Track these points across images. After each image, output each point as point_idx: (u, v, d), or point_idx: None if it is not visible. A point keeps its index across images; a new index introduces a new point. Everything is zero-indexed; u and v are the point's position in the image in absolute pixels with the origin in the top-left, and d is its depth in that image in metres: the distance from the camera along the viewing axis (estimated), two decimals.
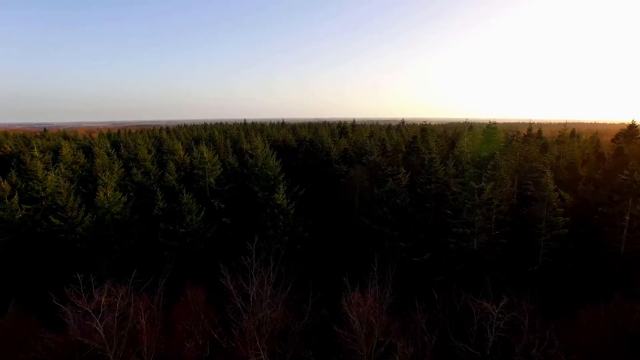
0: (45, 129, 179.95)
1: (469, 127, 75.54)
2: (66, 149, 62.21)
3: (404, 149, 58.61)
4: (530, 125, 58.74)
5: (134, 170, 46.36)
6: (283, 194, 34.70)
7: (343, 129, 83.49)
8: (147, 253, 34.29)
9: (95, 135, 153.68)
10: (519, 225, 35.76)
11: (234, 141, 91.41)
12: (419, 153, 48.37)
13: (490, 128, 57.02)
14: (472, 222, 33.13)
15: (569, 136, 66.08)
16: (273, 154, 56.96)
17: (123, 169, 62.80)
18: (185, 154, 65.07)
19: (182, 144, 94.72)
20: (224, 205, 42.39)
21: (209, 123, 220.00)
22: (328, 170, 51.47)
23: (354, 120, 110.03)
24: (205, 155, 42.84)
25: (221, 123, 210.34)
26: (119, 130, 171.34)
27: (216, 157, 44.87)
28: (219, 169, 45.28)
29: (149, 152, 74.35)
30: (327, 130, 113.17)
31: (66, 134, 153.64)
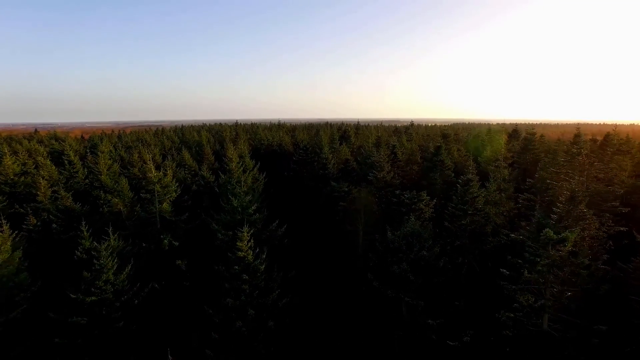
0: (36, 130, 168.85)
1: (493, 131, 61.82)
2: (9, 159, 49.90)
3: (419, 159, 45.73)
4: (578, 130, 45.41)
5: (62, 192, 33.85)
6: (250, 241, 22.08)
7: (345, 133, 70.58)
8: (35, 335, 21.83)
9: (87, 137, 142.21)
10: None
11: (223, 146, 78.80)
12: (444, 168, 35.53)
13: (530, 134, 43.90)
14: (543, 288, 20.39)
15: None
16: (255, 166, 44.41)
17: (86, 180, 50.77)
18: (155, 164, 52.52)
19: (164, 149, 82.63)
20: (177, 243, 29.84)
21: (207, 124, 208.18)
22: (325, 188, 38.77)
23: (358, 122, 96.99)
24: (152, 173, 30.26)
25: (221, 124, 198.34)
26: (112, 131, 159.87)
27: (169, 177, 32.17)
28: (175, 190, 32.70)
29: (121, 160, 62.25)
30: (328, 134, 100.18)
31: (57, 136, 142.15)
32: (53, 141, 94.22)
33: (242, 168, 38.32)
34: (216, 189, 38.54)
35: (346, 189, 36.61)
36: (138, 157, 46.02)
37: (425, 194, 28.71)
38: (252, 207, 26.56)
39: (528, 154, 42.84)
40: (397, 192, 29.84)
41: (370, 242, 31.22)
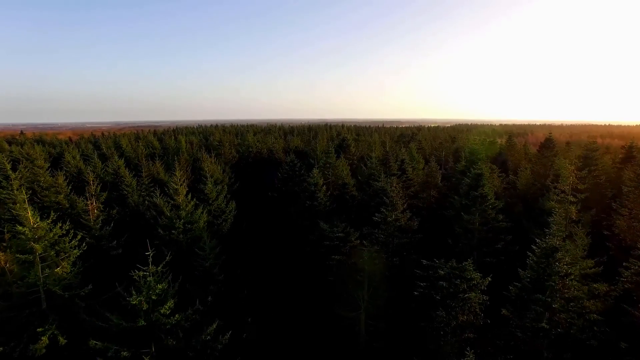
0: (21, 132, 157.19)
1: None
2: None
3: (439, 181, 33.43)
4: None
5: None
6: None
7: (343, 142, 58.00)
8: None
9: (75, 138, 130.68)
10: None
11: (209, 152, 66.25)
12: (486, 206, 23.04)
13: (590, 150, 31.41)
14: None
15: None
16: (220, 194, 32.08)
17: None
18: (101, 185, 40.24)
19: (138, 157, 70.24)
20: (66, 340, 17.69)
21: (203, 125, 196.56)
22: (312, 230, 26.44)
23: (357, 126, 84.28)
24: (28, 225, 18.01)
25: (217, 125, 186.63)
26: (102, 133, 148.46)
27: (61, 229, 19.73)
28: (76, 245, 20.47)
29: (75, 176, 50.17)
30: (325, 137, 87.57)
31: (42, 138, 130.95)
32: (27, 147, 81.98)
33: (193, 203, 26.13)
34: (160, 232, 26.31)
35: (342, 234, 24.28)
36: (64, 178, 33.86)
37: (471, 266, 16.33)
38: (169, 304, 14.32)
39: (588, 177, 30.30)
40: (424, 261, 17.43)
41: (378, 334, 18.99)
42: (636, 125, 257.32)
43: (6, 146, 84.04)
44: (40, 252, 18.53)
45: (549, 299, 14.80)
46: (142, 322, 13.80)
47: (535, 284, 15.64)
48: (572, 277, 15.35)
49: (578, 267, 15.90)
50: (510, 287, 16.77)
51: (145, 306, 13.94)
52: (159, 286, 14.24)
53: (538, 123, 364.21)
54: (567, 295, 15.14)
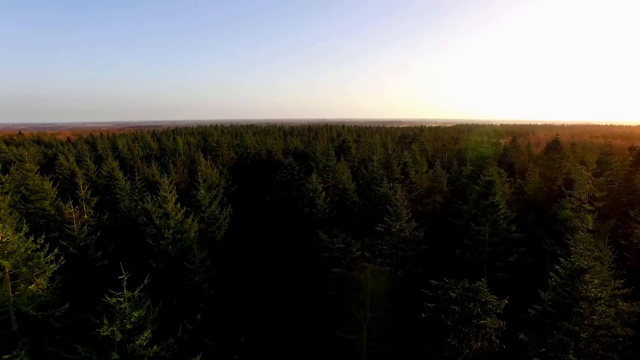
0: (20, 132, 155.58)
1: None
2: None
3: (445, 186, 31.62)
4: None
5: None
6: None
7: (343, 143, 56.17)
8: None
9: (74, 139, 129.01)
10: None
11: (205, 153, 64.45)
12: (497, 216, 21.07)
13: (605, 153, 29.61)
14: None
15: None
16: (214, 200, 30.26)
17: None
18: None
19: (134, 159, 68.51)
20: None
21: (203, 125, 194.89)
22: (311, 240, 24.65)
23: (357, 126, 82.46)
24: None
25: (216, 126, 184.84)
26: (101, 134, 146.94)
27: (27, 240, 17.79)
28: (53, 259, 18.66)
29: (67, 179, 48.48)
30: (325, 139, 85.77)
31: (40, 138, 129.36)
32: (21, 148, 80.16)
33: (183, 211, 24.34)
34: (149, 242, 24.51)
35: (342, 245, 22.51)
36: (56, 181, 32.11)
37: (485, 287, 14.54)
38: (146, 333, 12.57)
39: (603, 183, 28.43)
40: (433, 282, 15.62)
41: (381, 359, 17.21)
42: (637, 126, 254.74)
43: (4, 147, 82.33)
44: (10, 269, 16.76)
45: (576, 327, 13.00)
46: (115, 356, 12.04)
47: (559, 309, 13.83)
48: (602, 301, 13.55)
49: (608, 289, 14.09)
50: (529, 310, 14.97)
51: (119, 336, 12.19)
52: (135, 313, 12.47)
53: (539, 123, 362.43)
54: (596, 323, 13.33)
